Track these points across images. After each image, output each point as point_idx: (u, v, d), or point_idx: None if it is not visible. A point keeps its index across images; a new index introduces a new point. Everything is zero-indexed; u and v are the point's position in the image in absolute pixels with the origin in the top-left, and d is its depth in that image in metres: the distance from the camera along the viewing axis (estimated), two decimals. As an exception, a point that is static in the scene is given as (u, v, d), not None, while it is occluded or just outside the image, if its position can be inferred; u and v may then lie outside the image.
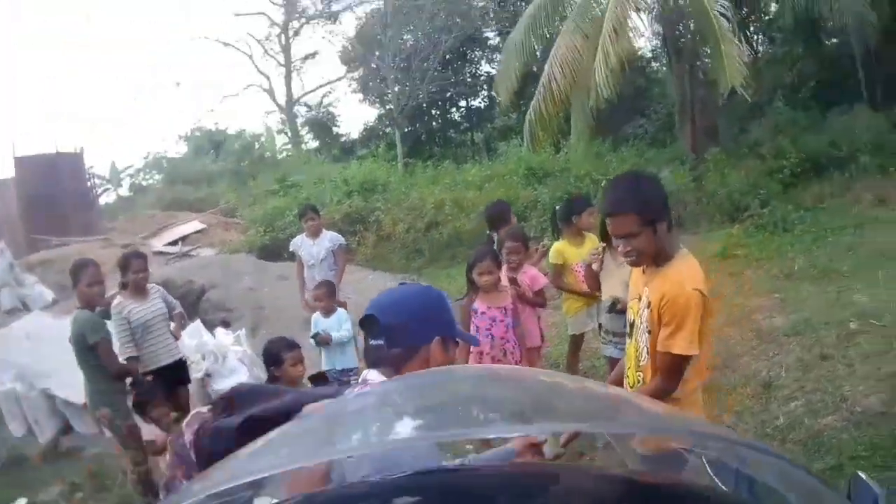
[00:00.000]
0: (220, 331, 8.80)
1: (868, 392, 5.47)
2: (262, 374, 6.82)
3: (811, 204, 11.59)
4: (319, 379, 2.31)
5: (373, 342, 2.17)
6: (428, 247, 13.48)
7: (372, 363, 2.23)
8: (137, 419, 5.84)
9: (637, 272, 3.36)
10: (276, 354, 4.58)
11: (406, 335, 2.19)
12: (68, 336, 5.85)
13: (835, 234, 9.90)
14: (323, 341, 6.57)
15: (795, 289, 8.19)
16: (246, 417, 1.99)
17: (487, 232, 6.79)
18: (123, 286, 6.42)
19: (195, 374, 7.21)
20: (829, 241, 9.63)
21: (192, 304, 11.21)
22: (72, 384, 6.10)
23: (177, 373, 6.61)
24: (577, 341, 6.68)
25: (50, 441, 8.17)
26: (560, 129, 16.30)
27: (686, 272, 3.08)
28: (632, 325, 3.37)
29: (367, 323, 2.20)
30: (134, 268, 6.35)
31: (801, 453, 4.95)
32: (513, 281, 5.61)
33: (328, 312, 6.86)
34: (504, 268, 5.66)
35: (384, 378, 2.13)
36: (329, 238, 8.37)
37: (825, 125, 14.90)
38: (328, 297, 6.89)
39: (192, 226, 15.43)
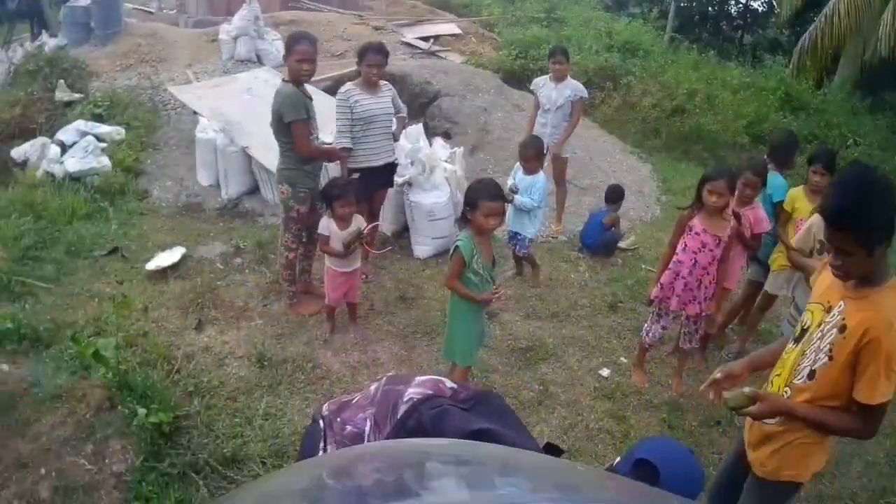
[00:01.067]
0: (438, 141, 8.75)
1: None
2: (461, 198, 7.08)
3: None
4: (554, 451, 2.01)
5: None
6: (666, 131, 13.08)
7: None
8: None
9: (834, 277, 3.03)
10: (472, 199, 4.49)
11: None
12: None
13: None
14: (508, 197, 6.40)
15: None
16: (482, 429, 1.80)
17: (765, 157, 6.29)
18: (357, 74, 6.49)
19: (398, 177, 7.27)
20: None
21: (422, 107, 11.31)
22: (272, 148, 6.19)
23: (384, 176, 6.74)
24: (767, 300, 6.40)
25: (233, 198, 8.46)
26: (827, 67, 15.51)
27: (894, 308, 2.84)
28: (804, 330, 3.17)
29: (642, 470, 1.98)
30: (369, 60, 6.34)
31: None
32: (737, 216, 5.38)
33: (531, 172, 6.82)
34: (734, 198, 5.41)
35: None
36: (572, 87, 8.19)
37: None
38: (535, 158, 6.81)
39: (449, 28, 15.06)
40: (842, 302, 2.95)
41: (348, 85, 6.48)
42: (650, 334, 5.76)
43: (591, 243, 8.33)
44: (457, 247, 4.53)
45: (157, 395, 4.70)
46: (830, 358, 2.96)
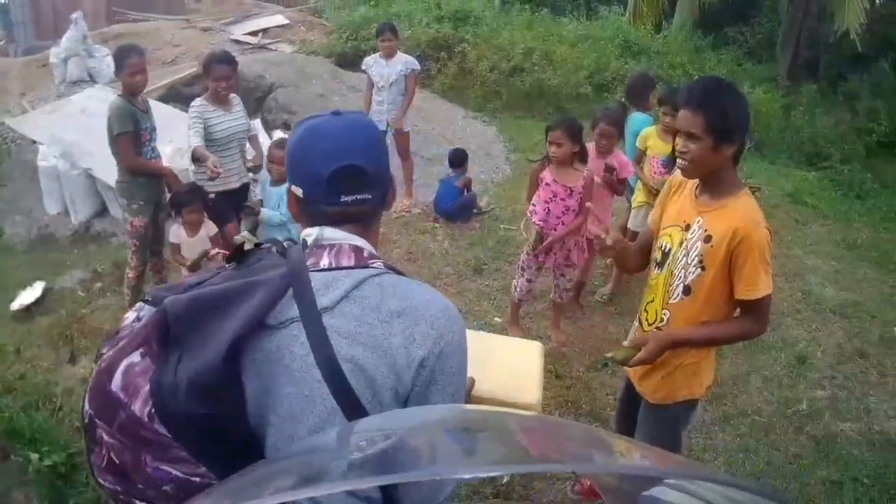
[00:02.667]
0: (278, 133, 8.72)
1: (891, 415, 5.56)
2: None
3: (889, 182, 11.32)
4: (240, 255, 1.83)
5: (352, 196, 1.74)
6: (507, 91, 13.13)
7: (335, 219, 1.77)
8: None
9: (683, 199, 3.17)
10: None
11: (383, 183, 1.83)
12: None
13: (908, 225, 9.76)
14: (250, 210, 6.20)
15: (853, 265, 8.17)
16: (229, 348, 1.56)
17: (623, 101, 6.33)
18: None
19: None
20: (897, 228, 9.50)
21: (258, 101, 11.15)
22: (114, 165, 5.92)
23: (239, 198, 6.39)
24: (631, 237, 6.29)
25: (83, 222, 8.25)
26: (664, 10, 15.85)
27: (755, 210, 2.97)
28: (665, 254, 3.20)
29: (350, 175, 1.73)
30: (215, 73, 5.88)
31: (811, 449, 5.09)
32: (608, 169, 5.49)
33: (280, 180, 5.84)
34: (592, 149, 5.48)
35: (348, 236, 1.76)
36: (403, 61, 8.12)
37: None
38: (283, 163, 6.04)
39: (276, 19, 15.02)
40: (699, 218, 3.03)
41: (199, 102, 6.01)
42: (518, 289, 5.76)
43: (448, 207, 8.28)
44: None
45: (46, 437, 4.54)
46: (703, 268, 3.01)
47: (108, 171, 7.08)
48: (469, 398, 2.23)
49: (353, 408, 1.57)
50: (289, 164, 1.83)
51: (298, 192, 1.78)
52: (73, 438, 4.61)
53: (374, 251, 1.79)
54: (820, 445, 5.16)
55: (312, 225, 1.78)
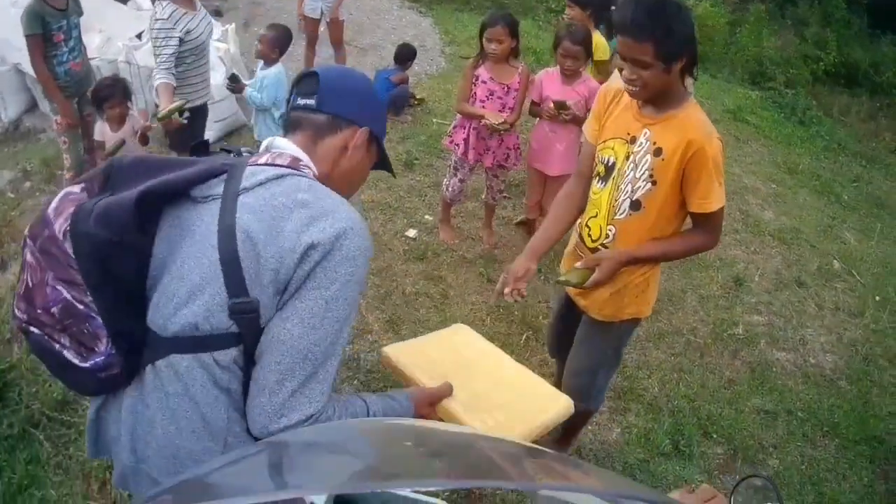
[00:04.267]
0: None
1: (826, 349, 5.45)
2: (240, 75, 6.25)
3: (835, 112, 11.17)
4: (201, 149, 2.04)
5: (301, 101, 1.88)
6: None
7: (286, 127, 1.92)
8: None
9: (623, 111, 2.98)
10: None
11: (341, 104, 1.90)
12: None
13: (845, 155, 9.59)
14: (235, 88, 5.79)
15: (794, 190, 8.00)
16: (143, 191, 1.67)
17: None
18: None
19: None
20: (839, 159, 9.34)
21: None
22: None
23: (199, 117, 5.56)
24: None
25: (13, 120, 7.69)
26: None
27: (706, 121, 2.83)
28: (609, 168, 3.02)
29: (305, 79, 1.92)
30: None
31: (746, 376, 4.95)
32: (559, 105, 4.85)
33: (268, 62, 5.68)
34: (555, 75, 5.00)
35: (293, 147, 1.86)
36: None
37: (875, 46, 14.12)
38: (270, 45, 5.65)
39: None
40: (645, 130, 2.87)
41: (167, 5, 4.86)
42: (450, 188, 5.48)
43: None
44: None
45: (-30, 352, 4.23)
46: (654, 183, 2.88)
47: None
48: (438, 409, 2.14)
49: (233, 277, 1.63)
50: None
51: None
52: (3, 353, 4.33)
53: (311, 165, 1.85)
54: (755, 373, 5.01)
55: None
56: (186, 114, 4.97)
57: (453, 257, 5.56)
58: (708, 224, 2.96)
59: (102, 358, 1.71)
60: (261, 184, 1.72)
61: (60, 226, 1.70)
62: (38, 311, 1.74)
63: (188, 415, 1.69)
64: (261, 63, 5.76)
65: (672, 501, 1.35)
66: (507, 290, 3.05)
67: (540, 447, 1.37)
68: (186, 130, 5.02)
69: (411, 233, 5.77)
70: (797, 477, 4.28)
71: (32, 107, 7.77)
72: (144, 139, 5.24)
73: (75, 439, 3.76)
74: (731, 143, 8.71)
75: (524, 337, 4.79)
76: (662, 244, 3.01)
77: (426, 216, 6.01)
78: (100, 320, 1.69)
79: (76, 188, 1.78)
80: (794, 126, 10.13)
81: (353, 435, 1.45)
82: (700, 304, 5.55)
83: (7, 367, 4.14)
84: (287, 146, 1.85)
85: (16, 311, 1.81)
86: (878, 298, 6.18)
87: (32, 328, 1.78)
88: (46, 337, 1.76)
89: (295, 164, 1.81)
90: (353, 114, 1.90)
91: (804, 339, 5.45)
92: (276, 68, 5.67)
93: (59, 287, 1.70)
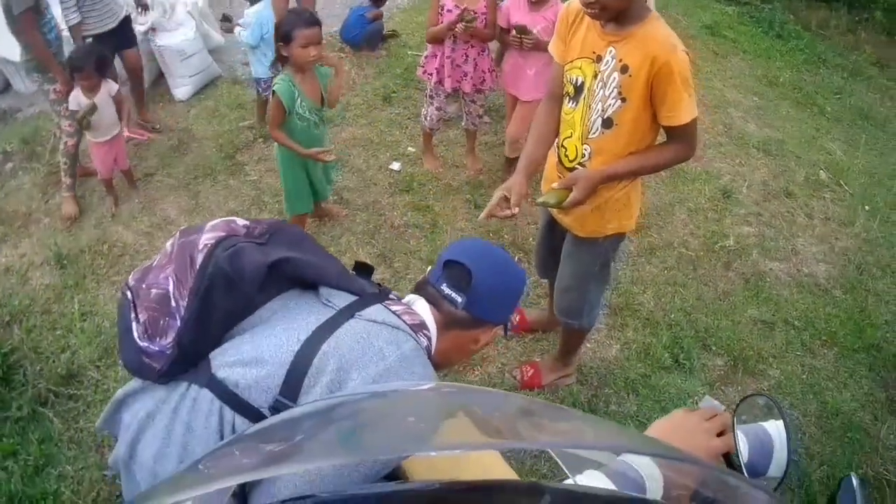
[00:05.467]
0: None
1: (819, 258, 5.42)
2: (211, 31, 6.19)
3: (813, 26, 11.01)
4: (365, 269, 2.07)
5: (446, 290, 1.92)
6: None
7: (430, 300, 1.94)
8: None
9: (586, 30, 2.95)
10: (286, 32, 4.05)
11: (490, 311, 1.97)
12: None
13: (826, 68, 9.44)
14: (228, 28, 5.92)
15: (776, 103, 7.87)
16: (282, 261, 1.81)
17: None
18: None
19: (139, 26, 6.45)
20: (820, 71, 9.21)
21: None
22: (12, 40, 5.36)
23: (122, 34, 5.80)
24: None
25: None
26: None
27: (670, 34, 2.79)
28: (578, 88, 3.01)
29: (456, 273, 1.93)
30: None
31: (741, 287, 4.93)
32: (520, 29, 4.75)
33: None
34: (522, 1, 4.83)
35: (429, 316, 1.91)
36: None
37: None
38: None
39: None
40: (610, 48, 2.85)
41: None
42: (428, 118, 5.46)
43: (353, 37, 7.66)
44: (273, 91, 4.15)
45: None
46: (623, 100, 2.87)
47: (7, 46, 6.28)
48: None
49: (294, 378, 1.68)
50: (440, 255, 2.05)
51: (429, 269, 2.05)
52: (4, 337, 4.32)
53: (433, 339, 1.89)
54: (749, 283, 4.99)
55: (416, 291, 1.99)
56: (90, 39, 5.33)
57: (439, 186, 5.52)
58: (681, 136, 2.94)
59: (157, 349, 1.78)
60: (374, 321, 1.76)
61: (206, 239, 1.82)
62: (143, 285, 1.84)
63: (181, 440, 1.73)
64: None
65: (660, 446, 1.33)
66: (500, 212, 3.05)
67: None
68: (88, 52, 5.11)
69: (395, 165, 5.74)
70: (798, 386, 4.30)
71: (6, 88, 7.55)
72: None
73: (84, 411, 3.81)
74: (710, 58, 8.56)
75: (515, 258, 4.74)
76: (637, 158, 3.01)
77: (409, 148, 5.97)
78: (179, 323, 1.77)
79: (241, 221, 1.91)
80: (772, 40, 9.95)
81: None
82: (689, 217, 5.52)
83: (9, 350, 4.14)
84: (424, 313, 1.90)
85: (131, 276, 1.92)
86: (867, 208, 6.12)
87: (128, 293, 1.87)
88: (132, 304, 1.85)
89: (418, 328, 1.85)
90: (493, 314, 1.97)
91: (796, 248, 5.41)
92: (259, 5, 5.70)
93: (171, 279, 1.81)
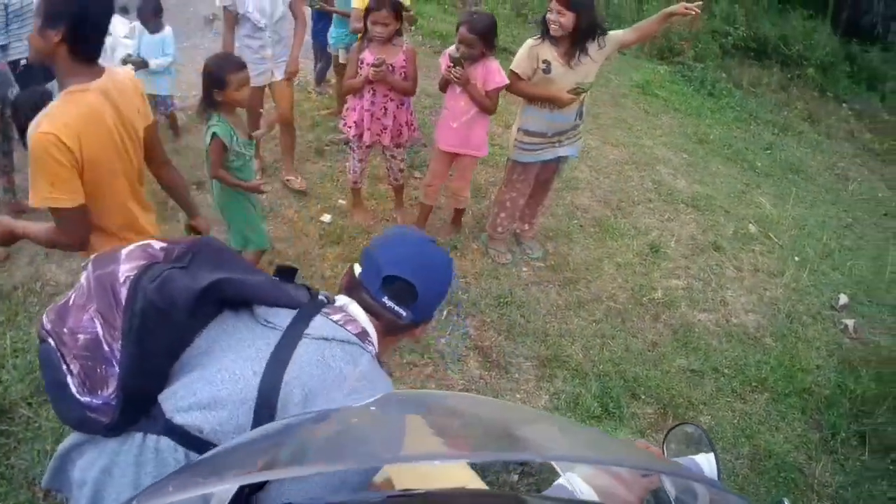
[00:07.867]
0: (116, 18, 7.75)
1: (748, 308, 5.47)
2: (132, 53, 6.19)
3: (745, 84, 11.28)
4: (287, 272, 1.99)
5: (389, 303, 1.85)
6: None
7: (368, 309, 1.87)
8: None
9: None
10: (219, 77, 4.07)
11: (428, 311, 1.95)
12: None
13: (757, 124, 9.67)
14: (136, 64, 5.86)
15: (706, 159, 8.02)
16: (214, 284, 1.72)
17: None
18: None
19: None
20: (750, 128, 9.42)
21: None
22: None
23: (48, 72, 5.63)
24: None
25: None
26: None
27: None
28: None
29: (399, 289, 1.86)
30: None
31: (669, 338, 4.93)
32: (454, 61, 4.80)
33: (154, 28, 6.14)
34: (446, 60, 4.86)
35: (367, 321, 1.85)
36: None
37: (784, 20, 14.24)
38: (153, 15, 6.13)
39: None
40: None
41: None
42: (352, 171, 5.51)
43: None
44: (214, 134, 4.17)
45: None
46: None
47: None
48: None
49: (264, 410, 1.62)
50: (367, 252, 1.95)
51: (357, 269, 1.91)
52: None
53: (376, 345, 1.85)
54: (678, 334, 5.00)
55: (347, 294, 1.91)
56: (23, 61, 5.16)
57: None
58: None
59: (100, 402, 1.68)
60: (325, 338, 1.72)
61: (125, 271, 1.73)
62: (65, 329, 1.74)
63: None
64: (144, 36, 6.16)
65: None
66: None
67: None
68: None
69: (326, 217, 5.70)
70: (730, 430, 4.30)
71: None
72: None
73: (15, 447, 3.64)
74: (641, 117, 8.73)
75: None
76: None
77: (340, 200, 5.94)
78: (117, 369, 1.68)
79: (158, 244, 1.83)
80: (703, 98, 10.17)
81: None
82: (617, 272, 5.53)
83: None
84: (363, 319, 1.85)
85: (44, 317, 1.81)
86: (797, 259, 6.23)
87: (50, 340, 1.77)
88: (59, 354, 1.75)
89: (363, 337, 1.81)
90: (426, 314, 1.94)
91: (725, 299, 5.45)
92: (168, 30, 6.26)
93: (97, 320, 1.71)
